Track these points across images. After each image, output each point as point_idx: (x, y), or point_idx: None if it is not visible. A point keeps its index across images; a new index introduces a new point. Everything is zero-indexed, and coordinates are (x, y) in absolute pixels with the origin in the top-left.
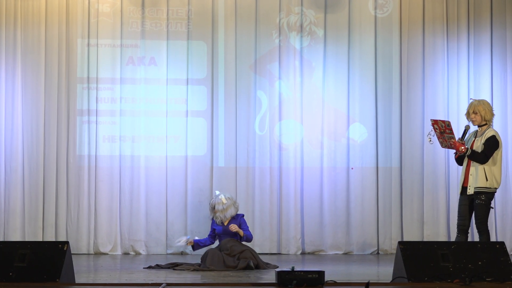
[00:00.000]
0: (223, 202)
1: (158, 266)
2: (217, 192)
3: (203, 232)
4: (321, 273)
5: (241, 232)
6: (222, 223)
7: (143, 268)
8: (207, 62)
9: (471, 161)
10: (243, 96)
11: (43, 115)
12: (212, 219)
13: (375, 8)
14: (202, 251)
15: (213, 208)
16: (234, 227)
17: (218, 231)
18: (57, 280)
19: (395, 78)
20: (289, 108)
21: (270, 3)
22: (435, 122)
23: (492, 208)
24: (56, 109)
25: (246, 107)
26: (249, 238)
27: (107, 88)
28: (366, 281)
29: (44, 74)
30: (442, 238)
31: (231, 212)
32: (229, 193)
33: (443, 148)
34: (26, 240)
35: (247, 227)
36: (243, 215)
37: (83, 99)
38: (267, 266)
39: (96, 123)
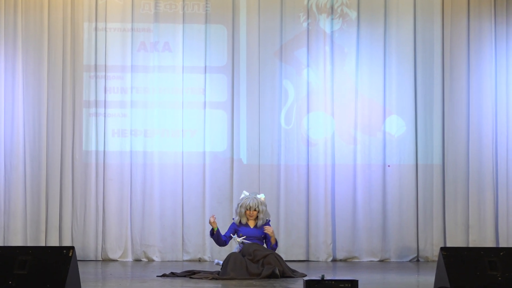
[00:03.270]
0: (265, 203)
1: (173, 274)
2: (247, 193)
3: None
4: (354, 283)
5: (274, 239)
6: (248, 224)
7: (157, 276)
8: (227, 48)
9: None
10: (267, 86)
11: (46, 107)
12: (233, 223)
13: None
14: (222, 257)
15: (249, 208)
16: (269, 229)
17: (244, 234)
18: None
19: (437, 66)
20: (319, 99)
21: None
22: None
23: None
24: (60, 100)
25: (270, 98)
26: (275, 248)
27: (117, 77)
28: None
29: (47, 62)
30: (490, 244)
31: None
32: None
33: (492, 143)
34: (28, 245)
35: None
36: (269, 220)
37: (90, 89)
38: (294, 274)
39: (105, 116)
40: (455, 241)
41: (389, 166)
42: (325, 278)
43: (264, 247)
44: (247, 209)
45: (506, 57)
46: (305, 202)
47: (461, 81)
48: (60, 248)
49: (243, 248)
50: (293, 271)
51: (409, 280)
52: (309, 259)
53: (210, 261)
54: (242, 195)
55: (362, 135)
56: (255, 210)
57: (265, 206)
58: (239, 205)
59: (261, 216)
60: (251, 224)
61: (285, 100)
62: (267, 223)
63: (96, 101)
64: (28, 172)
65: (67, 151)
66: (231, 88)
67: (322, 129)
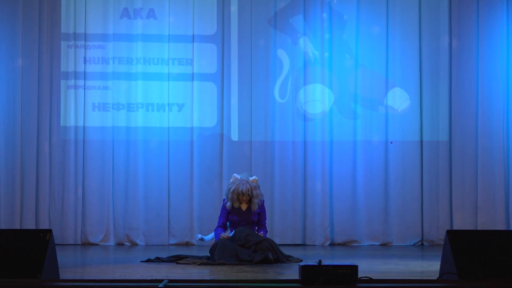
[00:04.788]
0: (258, 186)
1: (158, 259)
2: (238, 176)
3: (211, 219)
4: (353, 268)
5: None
6: (240, 209)
7: (141, 261)
8: (217, 15)
9: None
10: (260, 56)
11: (21, 79)
12: (224, 205)
13: None
14: (210, 242)
15: (242, 194)
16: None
17: (237, 220)
18: (39, 276)
19: (444, 34)
20: (316, 71)
21: None
22: None
23: None
24: (36, 72)
25: (263, 70)
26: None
27: (97, 46)
28: (407, 278)
29: (21, 29)
30: (500, 226)
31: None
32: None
33: (503, 118)
34: (1, 228)
35: (265, 219)
36: (263, 200)
37: (69, 60)
38: (288, 259)
39: (84, 88)
40: (462, 223)
41: (391, 142)
42: (322, 264)
43: (257, 233)
44: (239, 195)
45: None
46: (301, 182)
47: (470, 49)
48: (37, 232)
49: (235, 233)
50: (288, 257)
51: (412, 266)
52: (306, 243)
53: (198, 245)
54: (232, 179)
55: (363, 109)
56: (248, 195)
57: (258, 188)
58: (230, 190)
59: (256, 200)
60: (244, 207)
61: (280, 71)
62: (262, 204)
63: (75, 72)
64: (2, 150)
65: (44, 127)
66: (221, 59)
67: (320, 102)
